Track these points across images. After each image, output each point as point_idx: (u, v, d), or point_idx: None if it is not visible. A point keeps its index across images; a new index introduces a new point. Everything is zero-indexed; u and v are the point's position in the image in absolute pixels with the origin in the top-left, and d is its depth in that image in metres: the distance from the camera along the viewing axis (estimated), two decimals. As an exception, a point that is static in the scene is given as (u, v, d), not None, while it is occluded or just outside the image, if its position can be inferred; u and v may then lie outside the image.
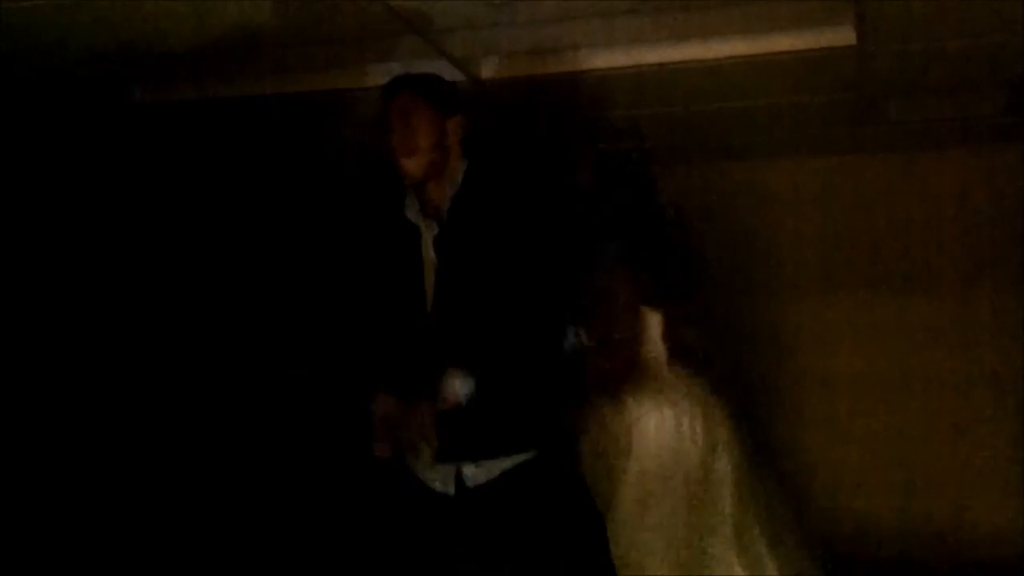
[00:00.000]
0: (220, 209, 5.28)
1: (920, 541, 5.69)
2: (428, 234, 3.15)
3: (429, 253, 3.14)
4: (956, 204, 5.82)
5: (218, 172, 5.25)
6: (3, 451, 3.91)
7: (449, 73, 3.74)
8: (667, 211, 4.12)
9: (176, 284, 4.92)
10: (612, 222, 4.04)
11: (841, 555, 5.69)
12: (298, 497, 5.13)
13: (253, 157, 5.25)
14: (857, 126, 5.24)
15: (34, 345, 4.07)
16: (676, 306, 4.03)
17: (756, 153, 5.82)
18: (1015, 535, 5.54)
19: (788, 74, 4.27)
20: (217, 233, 5.26)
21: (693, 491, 3.87)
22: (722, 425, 3.97)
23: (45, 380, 4.10)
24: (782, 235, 5.98)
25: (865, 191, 5.92)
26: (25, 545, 3.91)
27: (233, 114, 4.57)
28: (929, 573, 5.52)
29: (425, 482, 3.18)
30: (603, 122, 4.37)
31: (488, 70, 4.20)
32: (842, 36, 3.88)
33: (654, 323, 3.99)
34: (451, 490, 3.13)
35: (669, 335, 4.02)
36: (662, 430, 3.87)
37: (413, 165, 3.10)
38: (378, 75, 3.64)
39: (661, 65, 4.12)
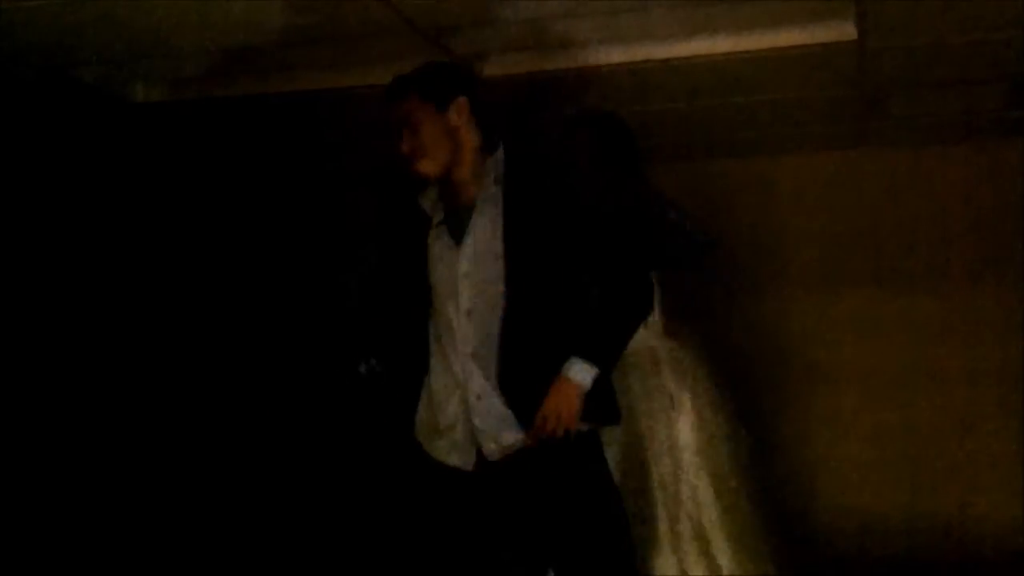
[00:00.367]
0: (222, 209, 5.27)
1: (926, 536, 5.68)
2: (438, 219, 3.17)
3: (443, 239, 3.15)
4: (962, 200, 5.80)
5: (218, 172, 5.25)
6: (4, 452, 3.91)
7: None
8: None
9: (178, 286, 4.92)
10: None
11: (847, 550, 5.74)
12: (312, 482, 5.15)
13: (254, 156, 5.25)
14: (860, 122, 5.24)
15: (34, 345, 4.07)
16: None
17: (761, 149, 5.82)
18: (1021, 530, 5.53)
19: (790, 70, 4.28)
20: (219, 233, 5.25)
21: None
22: (715, 417, 3.97)
23: (45, 382, 4.09)
24: (788, 231, 5.97)
25: (870, 187, 5.90)
26: (25, 545, 3.91)
27: (233, 113, 4.59)
28: (935, 568, 5.51)
29: (441, 460, 3.17)
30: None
31: (491, 68, 4.20)
32: (843, 32, 3.88)
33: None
34: (470, 465, 3.11)
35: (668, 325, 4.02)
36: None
37: (427, 166, 3.10)
38: (379, 74, 3.63)
39: (664, 61, 4.12)
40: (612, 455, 3.51)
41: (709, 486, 3.82)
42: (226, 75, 4.19)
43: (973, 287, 5.79)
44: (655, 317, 3.88)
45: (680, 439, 3.82)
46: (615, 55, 4.12)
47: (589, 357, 3.04)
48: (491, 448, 3.09)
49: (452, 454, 3.16)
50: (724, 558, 3.79)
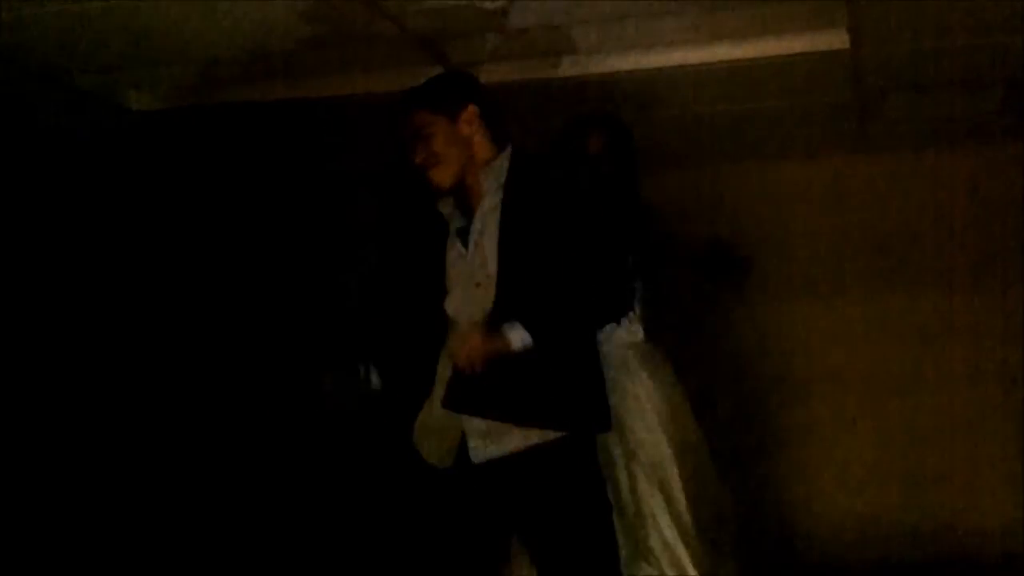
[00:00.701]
0: (217, 216, 5.29)
1: (927, 538, 5.69)
2: (455, 227, 3.18)
3: (456, 245, 3.17)
4: (962, 202, 5.81)
5: (212, 179, 5.26)
6: (6, 454, 3.95)
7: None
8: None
9: (175, 292, 4.94)
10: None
11: (848, 551, 5.76)
12: (310, 482, 5.18)
13: (248, 163, 5.27)
14: (858, 126, 5.25)
15: (32, 351, 4.10)
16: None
17: (761, 155, 5.83)
18: (1022, 532, 5.52)
19: (784, 77, 4.30)
20: (215, 240, 5.27)
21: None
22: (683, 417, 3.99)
23: (42, 390, 4.12)
24: (790, 235, 5.97)
25: (871, 191, 5.92)
26: (25, 545, 3.95)
27: (227, 121, 4.62)
28: (936, 570, 5.53)
29: (431, 462, 3.18)
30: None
31: (489, 76, 4.23)
32: (837, 39, 3.91)
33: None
34: (448, 463, 3.12)
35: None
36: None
37: (441, 176, 3.12)
38: (375, 82, 3.66)
39: (659, 70, 4.16)
40: None
41: (673, 490, 3.84)
42: (220, 83, 4.22)
43: (974, 289, 5.79)
44: (634, 323, 3.91)
45: (647, 443, 3.84)
46: (611, 64, 4.15)
47: (529, 327, 2.97)
48: (479, 453, 3.08)
49: (444, 456, 3.18)
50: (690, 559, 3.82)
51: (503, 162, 3.16)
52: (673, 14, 3.82)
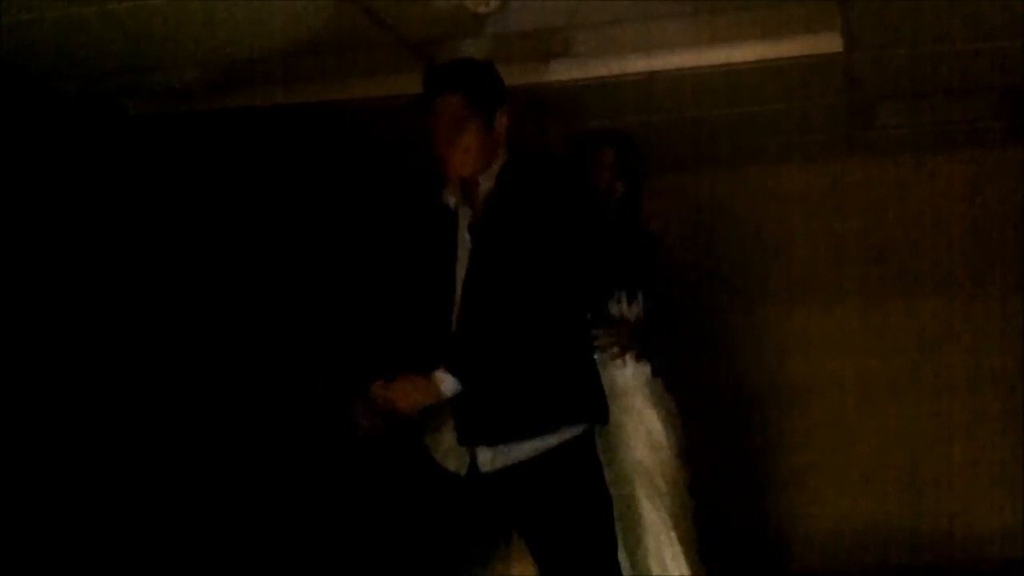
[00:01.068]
0: (213, 221, 5.28)
1: (927, 541, 5.70)
2: (464, 220, 3.14)
3: (464, 238, 3.13)
4: (961, 207, 5.82)
5: (214, 184, 5.27)
6: (7, 457, 3.95)
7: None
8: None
9: (176, 299, 4.93)
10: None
11: (848, 555, 5.75)
12: (310, 482, 5.18)
13: (245, 168, 5.27)
14: (853, 131, 5.26)
15: (30, 355, 4.09)
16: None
17: (758, 159, 5.84)
18: (1022, 536, 5.52)
19: (778, 81, 4.31)
20: (212, 244, 5.26)
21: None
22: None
23: (39, 395, 4.11)
24: (788, 239, 5.99)
25: (869, 195, 5.93)
26: (25, 545, 3.95)
27: (227, 126, 4.63)
28: (936, 573, 5.54)
29: (439, 463, 3.15)
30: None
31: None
32: (830, 43, 3.91)
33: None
34: (463, 471, 3.08)
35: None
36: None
37: (464, 167, 3.09)
38: (367, 86, 3.65)
39: (653, 74, 4.16)
40: None
41: (657, 499, 3.85)
42: (217, 89, 4.23)
43: (973, 294, 5.81)
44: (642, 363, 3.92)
45: (637, 451, 3.85)
46: (605, 68, 4.15)
47: (457, 374, 2.96)
48: (488, 466, 3.08)
49: (448, 458, 3.16)
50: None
51: (497, 167, 3.13)
52: (670, 18, 3.82)
